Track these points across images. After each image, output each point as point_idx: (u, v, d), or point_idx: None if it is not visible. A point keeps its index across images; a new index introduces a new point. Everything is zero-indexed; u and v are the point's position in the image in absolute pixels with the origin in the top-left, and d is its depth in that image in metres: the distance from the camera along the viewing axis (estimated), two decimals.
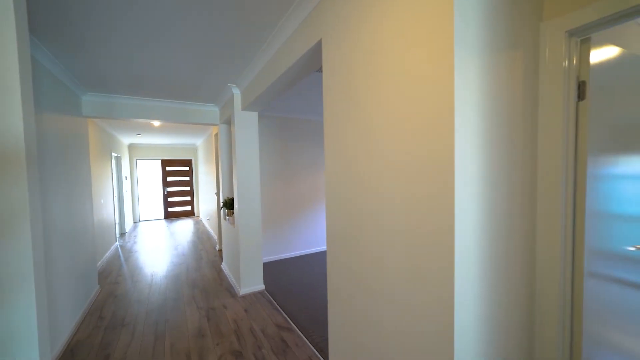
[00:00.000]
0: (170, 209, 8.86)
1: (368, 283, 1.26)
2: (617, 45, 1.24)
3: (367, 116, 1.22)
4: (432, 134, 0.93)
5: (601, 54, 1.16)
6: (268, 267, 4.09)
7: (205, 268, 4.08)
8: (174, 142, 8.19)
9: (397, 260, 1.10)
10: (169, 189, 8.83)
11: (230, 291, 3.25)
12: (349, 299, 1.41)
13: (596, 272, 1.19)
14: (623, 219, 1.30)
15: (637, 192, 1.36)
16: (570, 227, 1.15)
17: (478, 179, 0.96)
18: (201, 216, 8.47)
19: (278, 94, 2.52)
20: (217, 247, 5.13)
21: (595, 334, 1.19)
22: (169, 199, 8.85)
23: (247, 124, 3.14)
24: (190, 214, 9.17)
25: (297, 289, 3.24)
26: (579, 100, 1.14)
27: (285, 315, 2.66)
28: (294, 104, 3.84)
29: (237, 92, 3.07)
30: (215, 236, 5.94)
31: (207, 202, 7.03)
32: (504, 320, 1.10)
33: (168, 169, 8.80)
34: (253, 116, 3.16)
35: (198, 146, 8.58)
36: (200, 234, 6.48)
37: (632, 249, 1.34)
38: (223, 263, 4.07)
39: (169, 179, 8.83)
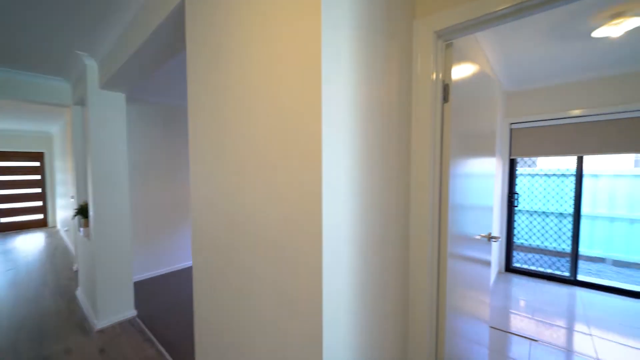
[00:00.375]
0: (3, 220, 6.45)
1: (238, 303, 1.03)
2: (469, 60, 1.39)
3: (233, 108, 0.98)
4: (298, 133, 0.77)
5: (459, 65, 1.26)
6: (143, 286, 3.35)
7: (49, 298, 3.02)
8: (12, 128, 5.99)
9: (264, 275, 0.90)
10: (4, 191, 6.43)
11: (84, 326, 2.46)
12: (217, 324, 1.14)
13: (454, 252, 1.30)
14: (472, 210, 1.48)
15: (479, 188, 1.58)
16: (437, 217, 1.21)
17: (349, 178, 0.86)
18: (59, 226, 6.50)
19: (146, 71, 2.00)
20: (75, 267, 3.94)
21: (453, 301, 1.32)
22: (3, 206, 6.44)
23: (109, 108, 2.43)
24: (41, 224, 6.92)
25: (178, 311, 2.73)
26: (444, 102, 1.21)
27: (160, 347, 2.16)
28: (176, 87, 3.24)
29: (91, 63, 2.34)
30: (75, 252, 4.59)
31: (65, 207, 5.40)
32: (382, 305, 1.05)
33: (2, 164, 6.39)
34: (118, 98, 2.48)
35: (53, 135, 6.56)
36: (53, 250, 4.91)
37: (478, 237, 1.55)
38: (79, 288, 3.10)
39: (3, 178, 6.42)
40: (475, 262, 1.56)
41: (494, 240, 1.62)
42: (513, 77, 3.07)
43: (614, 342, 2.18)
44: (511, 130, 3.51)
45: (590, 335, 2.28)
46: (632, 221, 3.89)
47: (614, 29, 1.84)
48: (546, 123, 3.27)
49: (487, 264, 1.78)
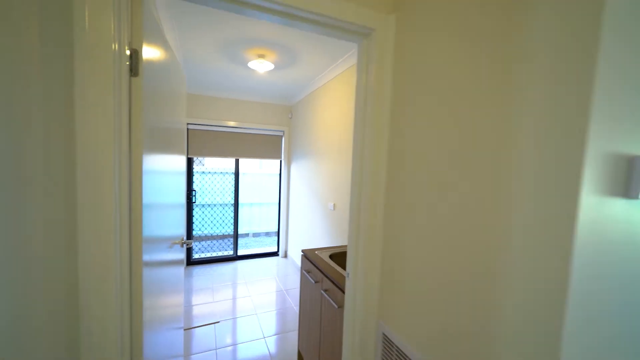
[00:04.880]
0: None
1: None
2: (161, 36, 1.17)
3: None
4: None
5: (151, 35, 1.01)
6: None
7: None
8: None
9: None
10: None
11: None
12: None
13: (150, 259, 1.05)
14: (165, 209, 1.29)
15: (171, 185, 1.44)
16: (126, 221, 0.88)
17: None
18: None
19: None
20: None
21: (150, 310, 1.06)
22: None
23: None
24: None
25: None
26: (131, 76, 0.89)
27: None
28: None
29: None
30: None
31: None
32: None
33: None
34: None
35: None
36: None
37: (176, 240, 1.40)
38: None
39: None
40: (171, 265, 1.39)
41: (187, 245, 1.55)
42: (193, 79, 3.22)
43: (260, 287, 3.11)
44: (188, 130, 3.69)
45: (248, 290, 3.02)
46: (260, 205, 5.77)
47: (259, 65, 2.50)
48: (213, 128, 3.82)
49: (181, 263, 1.69)
